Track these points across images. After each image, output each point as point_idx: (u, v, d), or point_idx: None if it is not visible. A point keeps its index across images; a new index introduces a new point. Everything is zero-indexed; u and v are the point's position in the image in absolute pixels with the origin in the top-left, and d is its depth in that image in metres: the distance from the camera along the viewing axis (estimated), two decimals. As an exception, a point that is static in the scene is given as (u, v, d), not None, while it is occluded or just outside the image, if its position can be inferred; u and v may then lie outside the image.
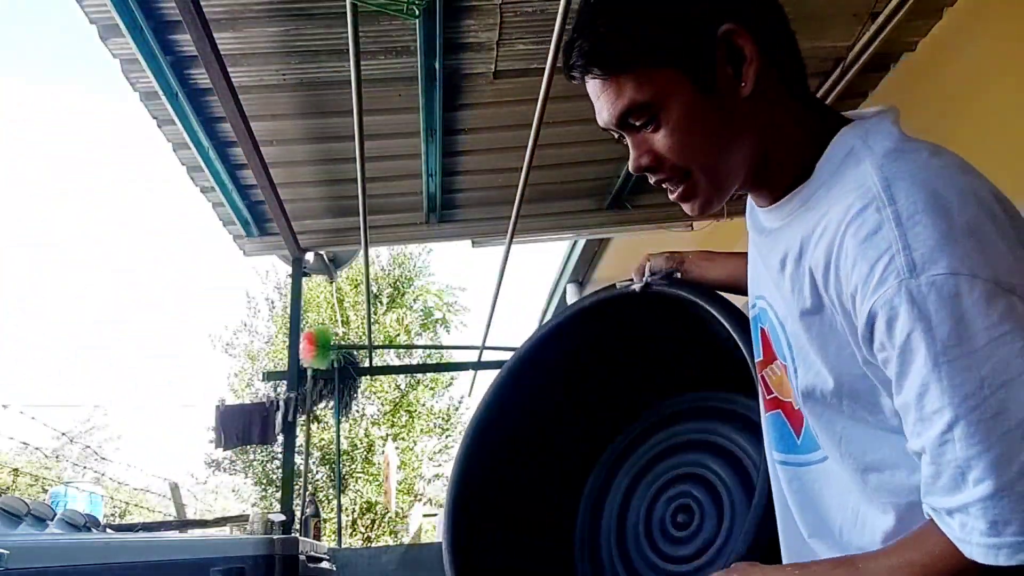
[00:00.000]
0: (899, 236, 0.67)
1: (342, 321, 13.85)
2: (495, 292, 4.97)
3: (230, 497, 16.85)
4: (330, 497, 12.86)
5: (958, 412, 0.63)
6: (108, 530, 3.42)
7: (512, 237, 4.04)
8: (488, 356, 6.15)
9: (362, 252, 4.39)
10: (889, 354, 0.69)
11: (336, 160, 3.69)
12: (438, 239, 4.45)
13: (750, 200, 0.97)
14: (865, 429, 0.79)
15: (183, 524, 5.31)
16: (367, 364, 6.13)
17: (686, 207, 0.87)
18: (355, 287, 14.20)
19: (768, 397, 0.96)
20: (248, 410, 4.48)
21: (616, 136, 0.87)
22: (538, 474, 1.58)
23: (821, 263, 0.75)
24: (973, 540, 0.64)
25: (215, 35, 2.60)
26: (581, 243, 5.27)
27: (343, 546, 9.35)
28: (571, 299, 5.95)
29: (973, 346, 0.63)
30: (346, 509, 13.83)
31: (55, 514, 2.82)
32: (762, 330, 0.95)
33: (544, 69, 2.74)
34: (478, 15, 2.78)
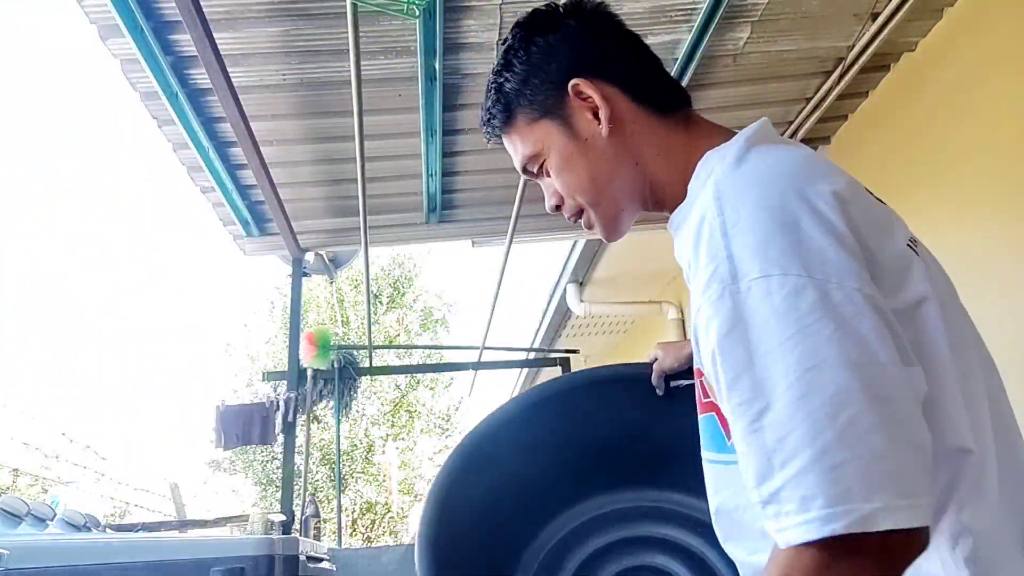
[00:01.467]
0: (724, 245, 0.71)
1: (342, 321, 13.86)
2: (495, 292, 4.97)
3: (230, 497, 16.85)
4: (330, 497, 12.86)
5: (767, 400, 0.65)
6: (108, 530, 3.42)
7: (512, 237, 4.04)
8: (488, 356, 6.15)
9: (362, 252, 4.39)
10: (707, 356, 0.74)
11: (336, 160, 3.69)
12: (438, 239, 4.44)
13: None
14: None
15: (183, 524, 5.31)
16: (367, 364, 6.13)
17: (594, 234, 0.98)
18: (355, 287, 14.21)
19: (704, 400, 0.97)
20: (248, 410, 4.48)
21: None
22: (505, 518, 1.45)
23: (687, 272, 0.83)
24: (788, 525, 0.61)
25: (215, 35, 2.60)
26: (581, 243, 5.25)
27: (343, 546, 9.35)
28: (571, 299, 5.93)
29: (783, 337, 0.65)
30: (346, 509, 13.83)
31: (55, 514, 2.82)
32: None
33: (544, 69, 2.74)
34: (478, 15, 2.78)
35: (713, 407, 0.95)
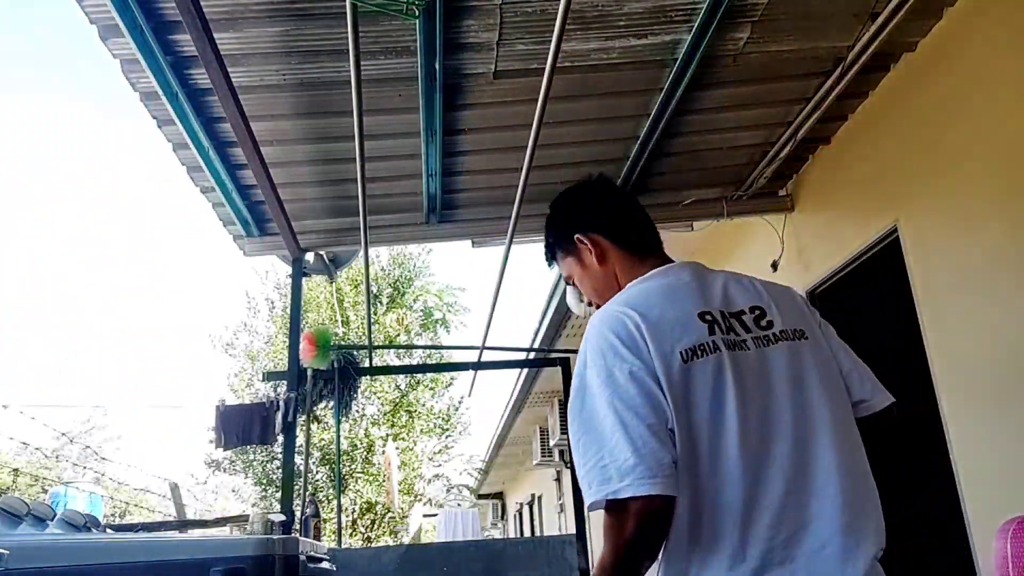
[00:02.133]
0: (584, 346, 1.28)
1: (342, 321, 13.85)
2: (495, 292, 4.97)
3: (230, 497, 16.86)
4: (330, 497, 12.86)
5: (583, 432, 1.21)
6: (108, 530, 3.42)
7: (512, 237, 4.04)
8: (488, 356, 6.15)
9: (362, 252, 4.39)
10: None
11: (336, 160, 3.69)
12: (438, 239, 4.45)
13: None
14: None
15: (183, 524, 5.31)
16: (367, 364, 6.13)
17: None
18: (355, 287, 14.20)
19: None
20: (248, 410, 4.48)
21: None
22: None
23: None
24: (586, 497, 1.18)
25: (215, 35, 2.60)
26: (581, 243, 5.26)
27: (343, 546, 9.35)
28: (571, 299, 5.92)
29: (590, 397, 1.22)
30: (346, 509, 13.84)
31: (55, 514, 2.82)
32: None
33: (544, 69, 2.74)
34: (478, 15, 2.78)
35: None
